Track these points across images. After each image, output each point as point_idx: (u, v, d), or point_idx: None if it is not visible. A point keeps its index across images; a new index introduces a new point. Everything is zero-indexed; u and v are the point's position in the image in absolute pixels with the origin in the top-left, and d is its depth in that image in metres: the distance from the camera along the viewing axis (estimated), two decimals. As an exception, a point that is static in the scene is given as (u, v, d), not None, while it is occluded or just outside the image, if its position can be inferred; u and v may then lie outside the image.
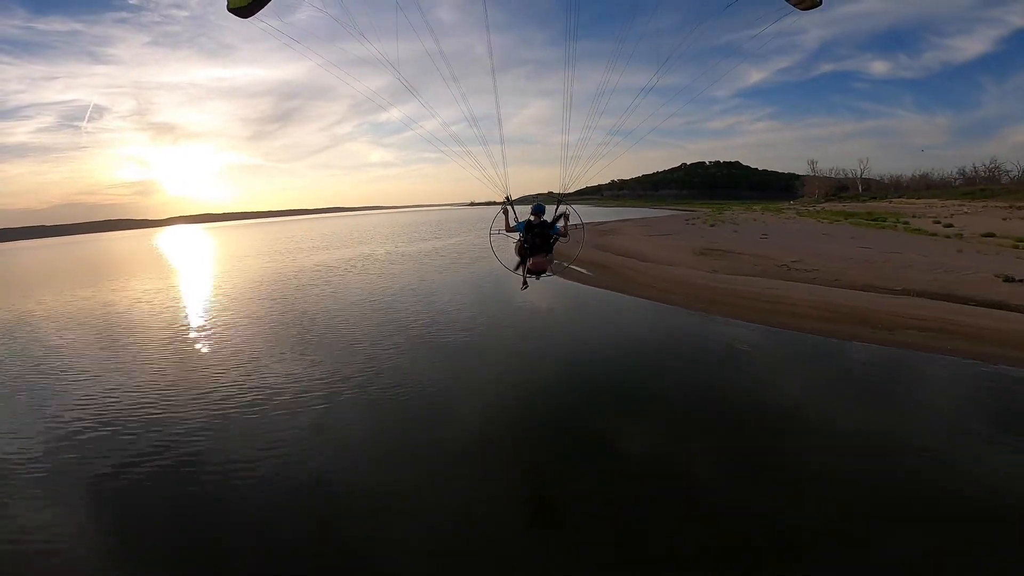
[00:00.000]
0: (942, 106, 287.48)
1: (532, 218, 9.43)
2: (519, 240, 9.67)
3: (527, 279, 10.10)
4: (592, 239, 46.96)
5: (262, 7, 7.33)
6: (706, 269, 25.66)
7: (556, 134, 9.44)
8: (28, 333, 22.32)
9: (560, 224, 9.57)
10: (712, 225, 52.90)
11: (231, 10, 7.27)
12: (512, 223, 9.62)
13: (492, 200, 11.10)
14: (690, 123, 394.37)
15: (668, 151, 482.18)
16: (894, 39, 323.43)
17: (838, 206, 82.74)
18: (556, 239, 9.53)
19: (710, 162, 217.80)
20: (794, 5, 7.56)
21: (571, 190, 10.12)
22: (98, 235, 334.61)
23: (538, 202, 9.63)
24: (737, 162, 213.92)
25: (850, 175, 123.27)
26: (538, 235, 9.40)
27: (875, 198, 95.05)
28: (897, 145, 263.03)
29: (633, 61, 10.05)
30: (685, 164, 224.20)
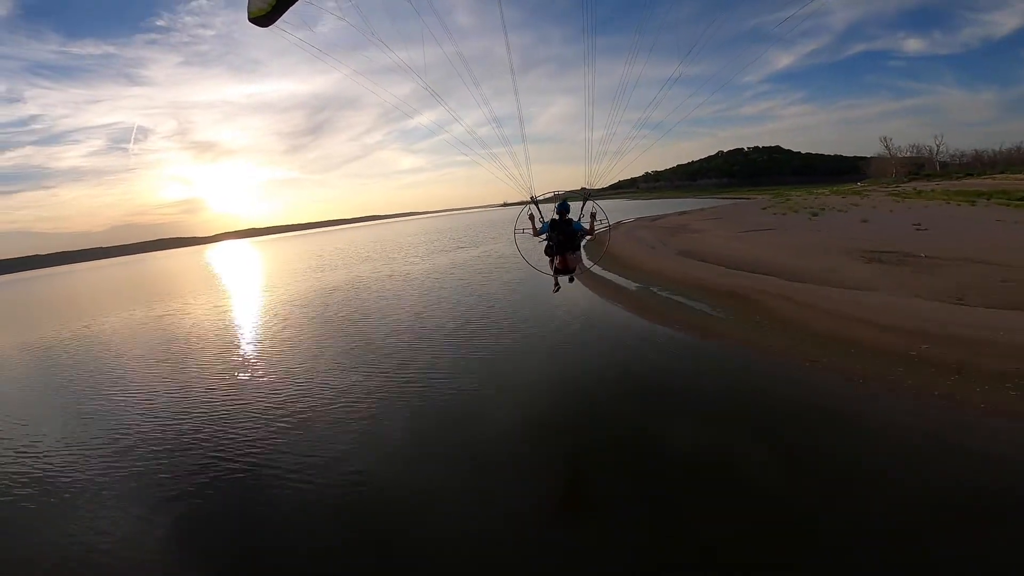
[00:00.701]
0: (986, 82, 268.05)
1: (556, 216, 9.09)
2: (546, 240, 9.37)
3: (558, 280, 9.90)
4: (663, 239, 36.00)
5: (281, 14, 7.20)
6: (947, 298, 14.40)
7: (583, 131, 8.81)
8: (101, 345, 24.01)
9: (585, 222, 9.21)
10: (815, 214, 40.84)
11: (251, 20, 7.13)
12: (538, 225, 9.34)
13: (524, 200, 9.24)
14: (721, 111, 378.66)
15: (701, 140, 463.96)
16: (925, 16, 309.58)
17: (930, 184, 69.11)
18: (582, 236, 9.19)
19: (749, 148, 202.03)
20: None
21: (603, 185, 9.84)
22: (154, 254, 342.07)
23: (563, 199, 9.19)
24: (778, 146, 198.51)
25: (924, 152, 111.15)
26: (562, 232, 9.07)
27: (970, 175, 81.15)
28: (942, 123, 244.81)
29: (656, 53, 9.12)
30: (722, 152, 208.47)
